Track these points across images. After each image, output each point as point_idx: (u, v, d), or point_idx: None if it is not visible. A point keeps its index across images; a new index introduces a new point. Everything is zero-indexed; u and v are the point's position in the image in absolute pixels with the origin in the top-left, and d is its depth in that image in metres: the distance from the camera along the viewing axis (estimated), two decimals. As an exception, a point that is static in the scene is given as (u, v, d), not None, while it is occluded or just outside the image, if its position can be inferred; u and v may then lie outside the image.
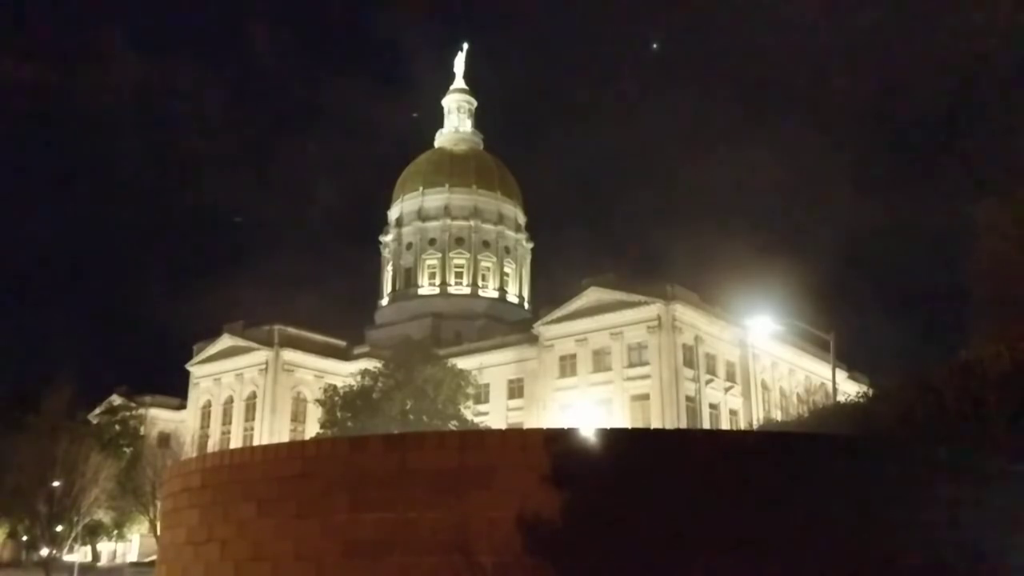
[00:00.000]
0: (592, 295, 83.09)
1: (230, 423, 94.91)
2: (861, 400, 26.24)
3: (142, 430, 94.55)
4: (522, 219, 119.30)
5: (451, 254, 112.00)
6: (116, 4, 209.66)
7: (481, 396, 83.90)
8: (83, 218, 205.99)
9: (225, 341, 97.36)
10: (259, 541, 13.51)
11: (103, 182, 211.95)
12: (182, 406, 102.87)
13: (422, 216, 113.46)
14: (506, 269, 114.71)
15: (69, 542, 69.83)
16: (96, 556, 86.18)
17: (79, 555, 73.13)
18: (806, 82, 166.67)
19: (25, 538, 77.72)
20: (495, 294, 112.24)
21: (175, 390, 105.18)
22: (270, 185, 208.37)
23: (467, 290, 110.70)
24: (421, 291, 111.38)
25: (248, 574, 13.49)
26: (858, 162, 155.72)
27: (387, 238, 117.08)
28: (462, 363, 78.71)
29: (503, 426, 74.76)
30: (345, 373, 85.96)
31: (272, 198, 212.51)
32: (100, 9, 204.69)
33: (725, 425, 78.14)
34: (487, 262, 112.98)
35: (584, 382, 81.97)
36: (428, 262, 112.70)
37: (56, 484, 66.27)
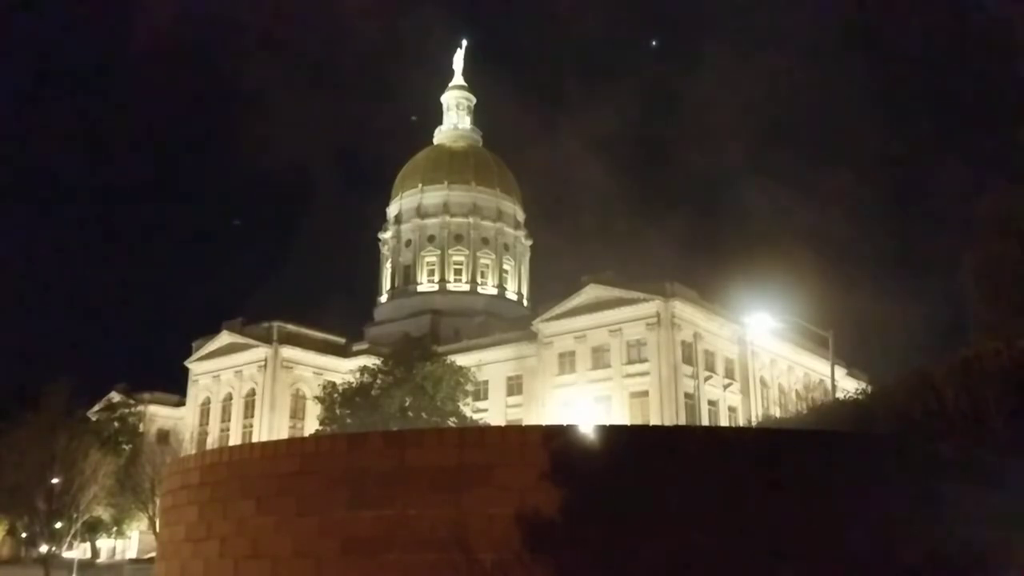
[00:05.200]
0: (591, 292, 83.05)
1: (229, 420, 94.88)
2: (860, 397, 26.32)
3: (141, 427, 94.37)
4: (521, 216, 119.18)
5: (450, 251, 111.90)
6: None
7: (480, 393, 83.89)
8: (83, 216, 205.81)
9: (224, 338, 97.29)
10: (258, 538, 13.49)
11: (102, 181, 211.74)
12: (181, 403, 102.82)
13: (421, 213, 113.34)
14: (505, 266, 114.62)
15: (68, 539, 69.79)
16: (95, 553, 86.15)
17: (78, 552, 73.05)
18: (808, 78, 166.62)
19: (24, 535, 77.65)
20: (494, 291, 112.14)
21: (174, 387, 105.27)
22: (268, 184, 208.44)
23: (466, 287, 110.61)
24: (420, 288, 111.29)
25: (247, 571, 13.48)
26: (859, 161, 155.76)
27: (386, 235, 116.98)
28: (461, 360, 78.77)
29: (502, 423, 74.73)
30: (344, 370, 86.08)
31: (271, 196, 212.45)
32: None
33: (724, 422, 78.17)
34: (486, 259, 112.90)
35: (583, 379, 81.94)
36: (427, 259, 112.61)
37: (55, 481, 66.22)
